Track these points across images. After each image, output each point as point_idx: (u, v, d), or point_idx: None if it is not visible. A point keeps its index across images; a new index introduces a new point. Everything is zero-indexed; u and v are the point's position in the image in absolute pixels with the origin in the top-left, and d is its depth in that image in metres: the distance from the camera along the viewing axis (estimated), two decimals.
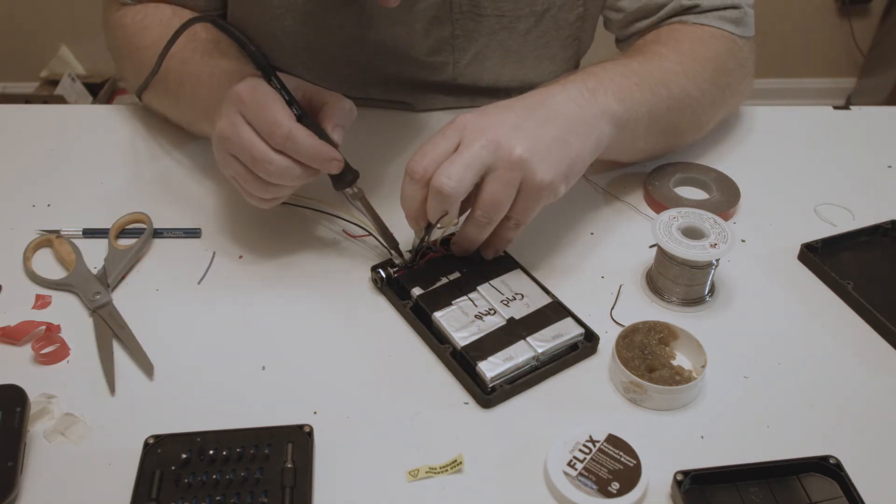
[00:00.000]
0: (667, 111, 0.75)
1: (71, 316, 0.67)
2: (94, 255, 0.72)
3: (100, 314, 0.66)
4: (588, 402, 0.61)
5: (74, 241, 0.74)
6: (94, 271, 0.70)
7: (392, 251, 0.70)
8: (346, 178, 0.67)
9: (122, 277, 0.70)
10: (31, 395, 0.58)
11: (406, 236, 0.70)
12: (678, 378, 0.60)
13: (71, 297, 0.68)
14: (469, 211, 0.65)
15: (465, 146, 0.62)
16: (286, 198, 0.69)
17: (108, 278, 0.69)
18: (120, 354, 0.63)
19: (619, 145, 0.72)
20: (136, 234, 0.74)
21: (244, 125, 0.63)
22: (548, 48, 0.88)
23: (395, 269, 0.69)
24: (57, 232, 0.74)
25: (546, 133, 0.64)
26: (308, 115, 0.65)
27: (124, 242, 0.73)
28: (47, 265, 0.72)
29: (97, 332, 0.65)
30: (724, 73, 0.81)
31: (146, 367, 0.62)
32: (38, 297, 0.68)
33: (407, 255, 0.69)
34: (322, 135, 0.64)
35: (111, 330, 0.64)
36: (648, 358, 0.61)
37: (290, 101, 0.64)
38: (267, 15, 0.84)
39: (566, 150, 0.65)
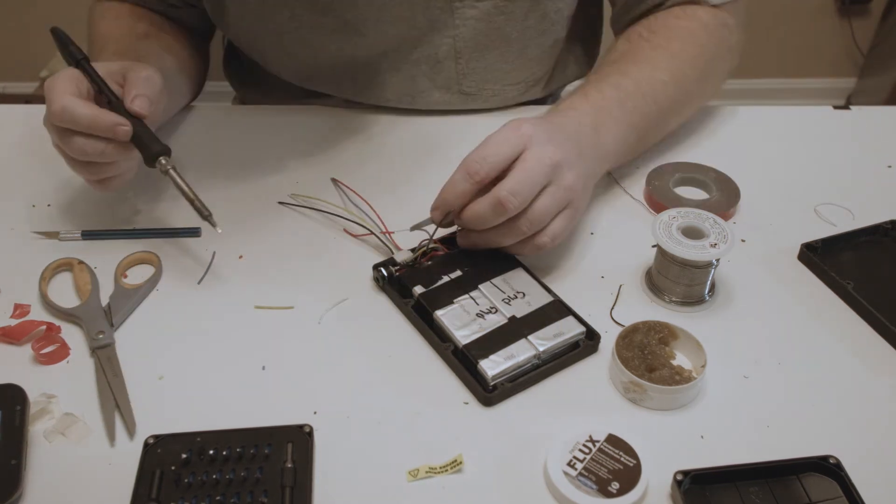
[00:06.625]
0: (654, 126, 0.80)
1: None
2: (111, 288, 0.69)
3: (98, 355, 0.63)
4: (588, 402, 0.61)
5: (75, 241, 0.73)
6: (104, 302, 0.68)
7: (205, 219, 0.67)
8: (151, 151, 0.67)
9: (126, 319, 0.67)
10: (31, 395, 0.58)
11: (404, 229, 0.70)
12: (678, 378, 0.60)
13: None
14: (508, 219, 0.64)
15: (532, 162, 0.63)
16: (119, 179, 0.71)
17: (113, 318, 0.66)
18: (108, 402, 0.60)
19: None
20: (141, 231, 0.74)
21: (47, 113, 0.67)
22: (549, 33, 0.89)
23: (396, 268, 0.69)
24: (56, 233, 0.74)
25: (587, 172, 0.69)
26: (118, 98, 0.69)
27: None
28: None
29: (98, 377, 0.62)
30: (714, 61, 0.84)
31: (129, 423, 0.58)
32: (16, 305, 0.67)
33: (408, 255, 0.69)
34: (123, 110, 0.67)
35: (105, 377, 0.61)
36: (648, 358, 0.61)
37: (101, 90, 0.68)
38: (270, 37, 0.88)
39: (590, 194, 0.72)
